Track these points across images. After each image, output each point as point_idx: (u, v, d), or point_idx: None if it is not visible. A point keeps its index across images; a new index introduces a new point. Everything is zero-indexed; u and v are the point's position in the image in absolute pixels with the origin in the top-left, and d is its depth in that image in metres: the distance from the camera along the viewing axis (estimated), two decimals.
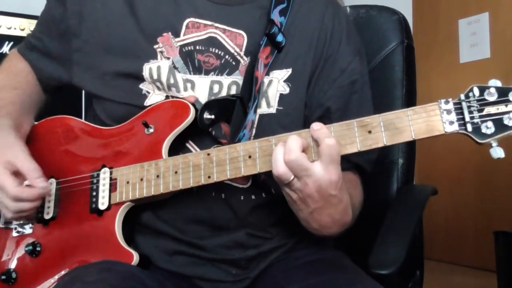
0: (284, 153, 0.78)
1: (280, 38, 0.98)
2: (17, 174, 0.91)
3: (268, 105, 0.97)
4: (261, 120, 0.96)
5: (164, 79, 0.96)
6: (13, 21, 1.81)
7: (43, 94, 1.12)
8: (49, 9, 1.08)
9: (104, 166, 0.97)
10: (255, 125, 0.95)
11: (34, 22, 1.16)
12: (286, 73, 0.98)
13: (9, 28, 1.80)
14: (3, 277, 0.98)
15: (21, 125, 1.02)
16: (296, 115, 0.99)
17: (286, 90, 0.98)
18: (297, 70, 0.99)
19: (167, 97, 0.97)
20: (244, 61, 0.98)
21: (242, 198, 0.96)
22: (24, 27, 1.81)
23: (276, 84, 0.98)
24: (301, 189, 0.80)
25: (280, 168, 0.79)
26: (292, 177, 0.79)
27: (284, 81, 0.98)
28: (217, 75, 0.97)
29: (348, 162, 0.98)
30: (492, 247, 2.46)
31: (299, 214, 0.86)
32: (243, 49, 0.98)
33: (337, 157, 0.79)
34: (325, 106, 1.00)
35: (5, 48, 1.79)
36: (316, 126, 0.80)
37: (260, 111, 0.96)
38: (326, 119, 0.99)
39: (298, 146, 0.78)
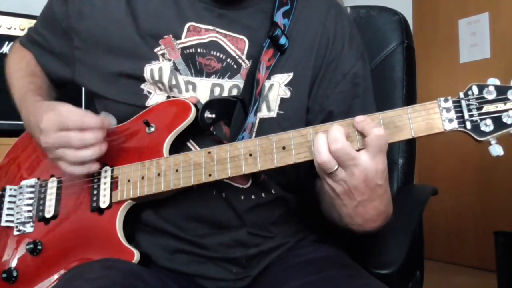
0: (329, 143, 0.77)
1: (283, 40, 0.98)
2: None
3: (269, 109, 0.97)
4: (261, 124, 0.96)
5: (166, 80, 0.96)
6: (13, 21, 1.81)
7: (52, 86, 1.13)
8: (51, 6, 1.08)
9: (105, 164, 0.97)
10: (255, 129, 0.95)
11: (34, 22, 1.16)
12: (287, 77, 0.98)
13: (9, 28, 1.80)
14: (4, 275, 0.98)
15: None
16: (297, 119, 0.98)
17: (287, 94, 0.98)
18: (298, 74, 0.98)
19: (168, 97, 0.97)
20: (246, 64, 0.97)
21: (242, 197, 0.97)
22: (24, 27, 1.81)
23: (277, 88, 0.97)
24: (347, 179, 0.78)
25: (324, 156, 0.77)
26: (336, 166, 0.78)
27: (285, 85, 0.98)
28: (219, 78, 0.97)
29: None
30: (492, 247, 2.47)
31: (342, 210, 0.84)
32: (245, 53, 0.98)
33: (385, 146, 0.78)
34: (327, 110, 1.00)
35: (5, 48, 1.79)
36: (360, 118, 0.79)
37: (260, 115, 0.96)
38: None
39: (343, 135, 0.77)
